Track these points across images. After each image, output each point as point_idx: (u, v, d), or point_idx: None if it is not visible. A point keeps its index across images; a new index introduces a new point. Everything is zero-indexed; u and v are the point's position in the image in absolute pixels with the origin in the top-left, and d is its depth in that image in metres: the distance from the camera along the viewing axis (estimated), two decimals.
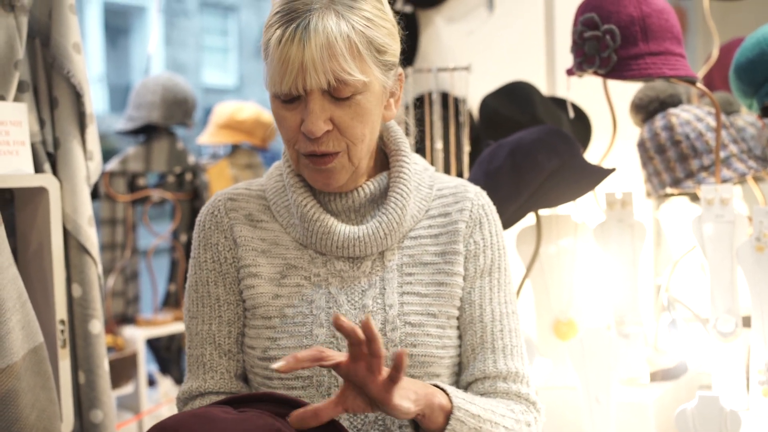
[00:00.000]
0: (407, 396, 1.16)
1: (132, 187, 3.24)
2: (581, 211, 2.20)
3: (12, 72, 1.74)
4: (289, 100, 1.24)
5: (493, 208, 1.42)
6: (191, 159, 3.39)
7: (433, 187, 1.40)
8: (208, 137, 3.52)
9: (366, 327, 1.08)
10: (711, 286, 1.82)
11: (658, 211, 2.68)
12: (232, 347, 1.37)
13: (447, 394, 1.24)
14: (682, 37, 1.83)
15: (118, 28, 15.82)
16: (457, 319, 1.37)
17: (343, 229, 1.31)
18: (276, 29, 1.21)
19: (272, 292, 1.33)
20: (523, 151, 1.85)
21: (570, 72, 1.91)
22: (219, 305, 1.37)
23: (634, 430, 1.93)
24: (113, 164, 3.22)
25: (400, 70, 1.34)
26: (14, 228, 1.88)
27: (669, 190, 2.03)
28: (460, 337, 1.38)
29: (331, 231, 1.31)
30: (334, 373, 1.28)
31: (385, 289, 1.33)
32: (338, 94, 1.22)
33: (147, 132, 3.32)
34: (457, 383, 1.40)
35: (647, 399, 1.91)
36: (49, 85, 1.89)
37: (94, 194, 3.21)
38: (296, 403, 1.14)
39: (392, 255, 1.35)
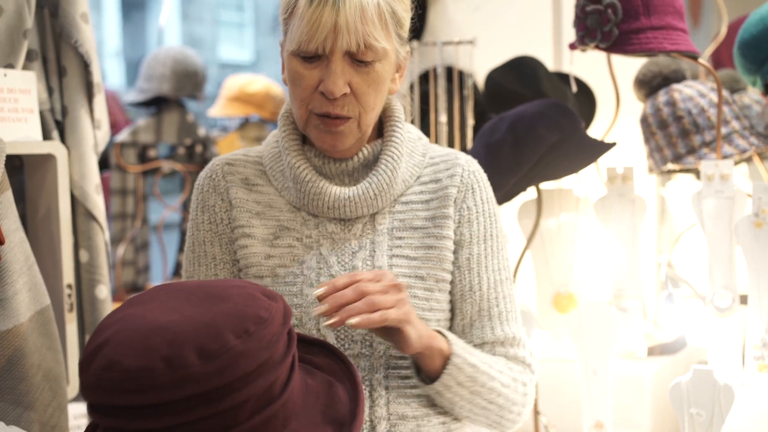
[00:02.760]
0: (417, 331, 1.24)
1: (143, 158, 3.28)
2: (583, 186, 2.22)
3: (21, 41, 1.77)
4: (310, 59, 1.27)
5: (484, 176, 1.45)
6: (201, 131, 3.42)
7: (425, 155, 1.43)
8: (219, 110, 3.54)
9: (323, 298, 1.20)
10: (709, 261, 1.83)
11: (665, 188, 2.68)
12: None
13: (447, 340, 1.31)
14: (684, 11, 1.83)
15: (134, 2, 15.82)
16: (450, 283, 1.39)
17: (334, 190, 1.35)
18: None
19: (265, 253, 1.37)
20: (525, 124, 1.87)
21: (572, 46, 1.91)
22: (215, 264, 1.41)
23: (631, 402, 1.95)
24: (124, 135, 3.25)
25: (408, 47, 1.37)
26: (23, 194, 1.92)
27: (670, 165, 2.04)
28: (450, 301, 1.41)
29: (322, 192, 1.35)
30: (321, 330, 1.32)
31: (375, 251, 1.36)
32: (362, 57, 1.26)
33: (158, 104, 3.35)
34: None
35: (644, 373, 1.93)
36: (57, 54, 1.91)
37: (106, 164, 3.25)
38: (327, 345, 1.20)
39: (383, 219, 1.38)
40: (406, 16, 1.32)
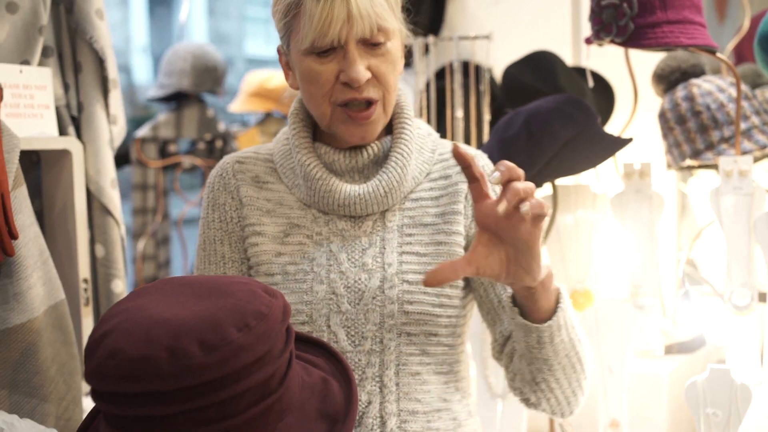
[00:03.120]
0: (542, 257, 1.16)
1: (163, 153, 3.30)
2: (602, 182, 2.19)
3: (36, 37, 1.78)
4: (324, 53, 1.28)
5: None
6: (221, 126, 3.44)
7: (435, 151, 1.43)
8: (239, 105, 3.56)
9: (456, 154, 1.10)
10: (727, 259, 1.80)
11: (686, 184, 2.65)
12: None
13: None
14: (702, 5, 1.80)
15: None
16: (464, 279, 1.38)
17: (344, 187, 1.35)
18: None
19: (275, 250, 1.37)
20: (539, 119, 1.85)
21: (588, 41, 1.89)
22: (224, 263, 1.41)
23: (647, 401, 1.93)
24: (144, 130, 3.28)
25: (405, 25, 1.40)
26: (41, 189, 1.94)
27: (689, 161, 2.01)
28: (465, 297, 1.39)
29: (332, 189, 1.35)
30: (331, 327, 1.32)
31: (384, 248, 1.35)
32: (375, 39, 1.27)
33: (178, 99, 3.37)
34: (455, 344, 1.40)
35: (661, 371, 1.91)
36: (73, 50, 1.93)
37: (126, 159, 3.28)
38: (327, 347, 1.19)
39: (393, 216, 1.38)
40: None
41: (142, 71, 15.44)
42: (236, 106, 3.57)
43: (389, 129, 1.43)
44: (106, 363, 0.90)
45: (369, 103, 1.31)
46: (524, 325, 1.25)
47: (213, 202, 1.43)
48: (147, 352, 0.89)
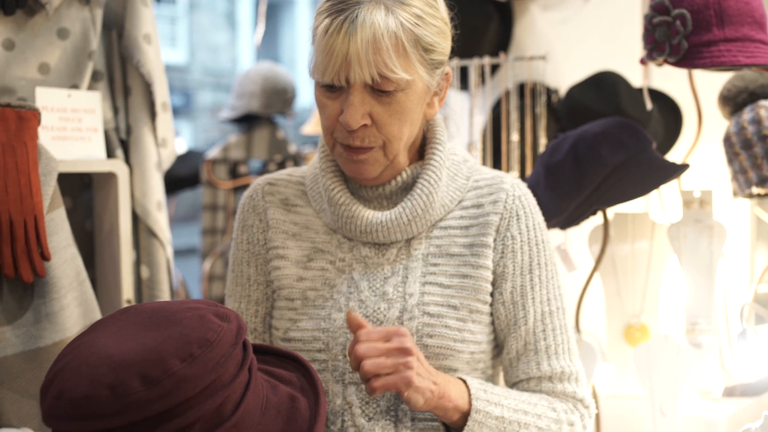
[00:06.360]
0: (420, 394, 1.18)
1: (233, 174, 3.35)
2: (666, 210, 2.06)
3: (86, 62, 1.83)
4: (331, 88, 1.24)
5: (532, 200, 1.37)
6: (292, 148, 3.46)
7: (470, 179, 1.37)
8: (312, 127, 3.58)
9: (349, 320, 1.19)
10: None
11: None
12: (258, 326, 1.41)
13: (469, 395, 1.25)
14: (767, 22, 1.67)
15: (269, 21, 16.37)
16: (491, 315, 1.34)
17: (367, 214, 1.31)
18: (324, 18, 1.21)
19: (297, 275, 1.36)
20: (586, 144, 1.76)
21: (642, 61, 1.78)
22: (249, 284, 1.41)
23: None
24: (215, 152, 3.33)
25: (447, 68, 1.31)
26: (93, 210, 1.98)
27: (755, 189, 1.86)
28: (492, 332, 1.36)
29: (355, 215, 1.31)
30: (347, 357, 1.28)
31: (407, 277, 1.31)
32: (381, 87, 1.21)
33: (249, 121, 3.41)
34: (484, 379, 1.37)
35: (718, 415, 1.77)
36: (123, 74, 1.97)
37: (197, 181, 3.34)
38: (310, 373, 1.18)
39: (419, 244, 1.33)
40: (438, 39, 1.24)
41: None
42: (309, 128, 3.59)
43: (422, 155, 1.38)
44: (55, 404, 0.91)
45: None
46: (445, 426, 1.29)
47: (242, 224, 1.43)
48: (89, 391, 0.89)
